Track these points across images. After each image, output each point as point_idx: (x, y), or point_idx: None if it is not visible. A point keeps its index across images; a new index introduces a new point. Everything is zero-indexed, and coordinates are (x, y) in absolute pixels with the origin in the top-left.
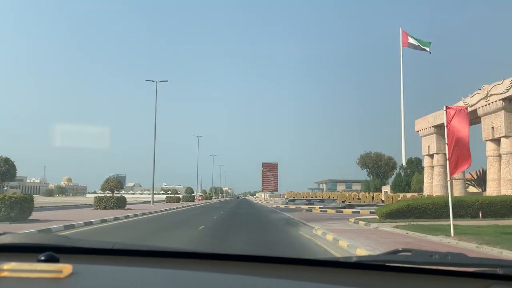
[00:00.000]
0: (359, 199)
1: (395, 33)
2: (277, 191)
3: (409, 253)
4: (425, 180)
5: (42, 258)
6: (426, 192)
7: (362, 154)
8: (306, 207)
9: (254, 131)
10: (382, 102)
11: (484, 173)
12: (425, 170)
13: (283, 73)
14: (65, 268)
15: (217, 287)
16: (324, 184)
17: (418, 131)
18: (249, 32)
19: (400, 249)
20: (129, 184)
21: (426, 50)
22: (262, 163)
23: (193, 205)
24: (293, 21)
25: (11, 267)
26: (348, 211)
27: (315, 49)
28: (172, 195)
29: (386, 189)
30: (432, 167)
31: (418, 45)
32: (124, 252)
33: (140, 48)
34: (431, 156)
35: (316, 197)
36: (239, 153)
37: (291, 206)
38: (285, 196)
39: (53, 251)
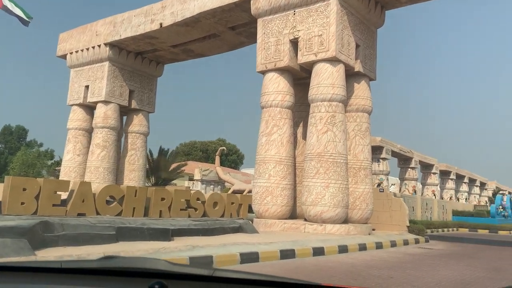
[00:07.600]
0: None
1: None
2: None
3: None
4: (66, 157)
5: (156, 287)
6: (65, 176)
7: None
8: None
9: None
10: None
11: None
12: (69, 137)
13: None
14: None
15: None
16: None
17: (65, 54)
18: None
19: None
20: None
21: (24, 20)
22: None
23: None
24: None
25: None
26: None
27: None
28: None
29: None
30: (84, 131)
31: (13, 11)
32: (225, 280)
33: None
34: (90, 108)
35: None
36: None
37: None
38: None
39: (160, 278)
